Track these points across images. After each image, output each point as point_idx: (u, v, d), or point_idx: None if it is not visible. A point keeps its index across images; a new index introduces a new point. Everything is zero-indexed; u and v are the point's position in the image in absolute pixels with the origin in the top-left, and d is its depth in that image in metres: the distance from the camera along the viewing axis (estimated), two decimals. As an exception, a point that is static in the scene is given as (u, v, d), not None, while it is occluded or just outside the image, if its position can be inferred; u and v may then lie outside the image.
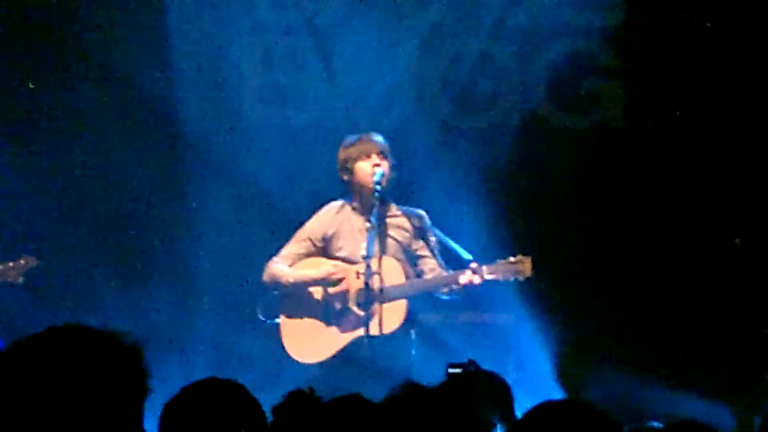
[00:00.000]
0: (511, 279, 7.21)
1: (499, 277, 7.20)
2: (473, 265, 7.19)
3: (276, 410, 3.51)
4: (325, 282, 7.45)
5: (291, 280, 7.50)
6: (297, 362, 7.50)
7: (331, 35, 9.24)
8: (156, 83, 9.18)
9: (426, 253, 7.48)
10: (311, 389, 3.52)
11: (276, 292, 7.64)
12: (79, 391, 2.38)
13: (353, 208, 7.54)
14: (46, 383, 2.39)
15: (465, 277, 7.17)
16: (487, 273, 7.18)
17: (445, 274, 7.34)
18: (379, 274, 7.18)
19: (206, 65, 9.24)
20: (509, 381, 4.71)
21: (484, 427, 3.48)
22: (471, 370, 4.97)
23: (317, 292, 7.51)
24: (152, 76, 9.19)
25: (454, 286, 7.22)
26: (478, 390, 4.40)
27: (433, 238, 7.49)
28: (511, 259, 7.23)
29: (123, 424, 2.42)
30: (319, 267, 7.50)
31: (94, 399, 2.39)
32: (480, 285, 7.18)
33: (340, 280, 7.42)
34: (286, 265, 7.57)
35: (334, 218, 7.58)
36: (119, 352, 2.45)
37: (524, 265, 7.21)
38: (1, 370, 2.42)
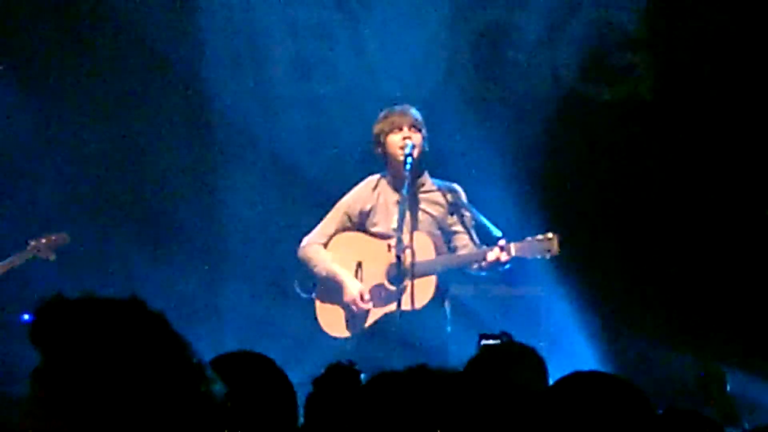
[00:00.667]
0: (539, 257, 7.17)
1: (527, 254, 7.16)
2: (501, 242, 7.15)
3: (316, 382, 3.51)
4: (348, 294, 7.45)
5: (324, 274, 7.51)
6: (328, 335, 7.50)
7: (360, 7, 9.22)
8: (185, 59, 9.20)
9: (460, 228, 7.45)
10: (351, 362, 3.51)
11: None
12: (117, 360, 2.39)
13: (388, 183, 7.53)
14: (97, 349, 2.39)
15: (493, 254, 7.13)
16: (515, 250, 7.14)
17: (475, 250, 7.32)
18: (411, 248, 7.16)
19: (234, 39, 9.24)
20: (542, 354, 4.70)
21: (520, 397, 3.48)
22: (504, 341, 4.96)
23: (350, 266, 7.51)
24: (181, 51, 9.20)
25: (483, 263, 7.19)
26: (512, 362, 4.39)
27: (467, 214, 7.44)
28: (539, 236, 7.18)
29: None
30: (352, 284, 7.45)
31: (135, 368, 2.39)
32: (508, 262, 7.14)
33: (358, 305, 7.41)
34: (322, 243, 7.56)
35: (371, 194, 7.56)
36: (145, 318, 2.45)
37: (552, 243, 7.15)
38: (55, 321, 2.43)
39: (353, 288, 7.41)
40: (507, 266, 7.18)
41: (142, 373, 2.36)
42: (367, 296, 7.39)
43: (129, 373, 2.36)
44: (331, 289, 7.50)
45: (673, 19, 9.02)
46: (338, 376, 3.47)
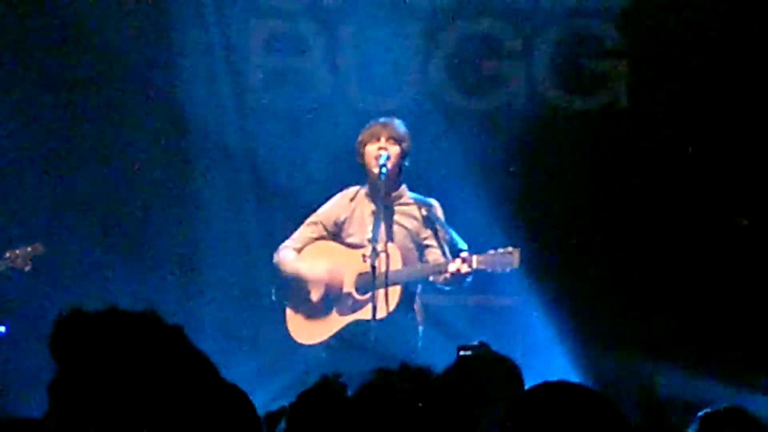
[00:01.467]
0: (499, 270, 7.23)
1: (488, 267, 7.22)
2: (463, 254, 7.23)
3: (302, 396, 3.50)
4: (316, 283, 7.50)
5: (291, 271, 7.57)
6: (303, 345, 7.55)
7: (335, 18, 9.23)
8: (159, 68, 9.19)
9: (433, 243, 7.49)
10: (335, 375, 3.51)
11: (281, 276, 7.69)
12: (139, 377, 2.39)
13: (366, 194, 7.57)
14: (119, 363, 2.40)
15: (454, 265, 7.19)
16: (477, 263, 7.20)
17: (439, 262, 7.37)
18: (386, 255, 7.21)
19: (210, 49, 9.23)
20: (517, 363, 4.71)
21: (494, 408, 3.48)
22: (482, 352, 4.97)
23: (319, 275, 7.54)
24: (157, 62, 9.19)
25: (445, 274, 7.24)
26: (489, 372, 4.40)
27: (442, 230, 7.49)
28: (500, 250, 7.24)
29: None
30: (316, 267, 7.53)
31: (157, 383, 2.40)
32: (469, 274, 7.20)
33: (329, 283, 7.46)
34: (296, 249, 7.62)
35: (348, 204, 7.61)
36: (164, 332, 2.47)
37: (513, 257, 7.21)
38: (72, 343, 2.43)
39: (317, 267, 7.46)
40: (469, 279, 7.25)
41: (160, 387, 2.37)
42: (336, 273, 7.45)
43: (147, 386, 2.37)
44: (300, 294, 7.54)
45: (648, 27, 9.05)
46: (325, 391, 3.47)
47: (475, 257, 7.20)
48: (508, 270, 7.21)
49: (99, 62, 9.17)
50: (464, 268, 7.17)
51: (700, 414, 4.14)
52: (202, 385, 2.41)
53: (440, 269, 7.28)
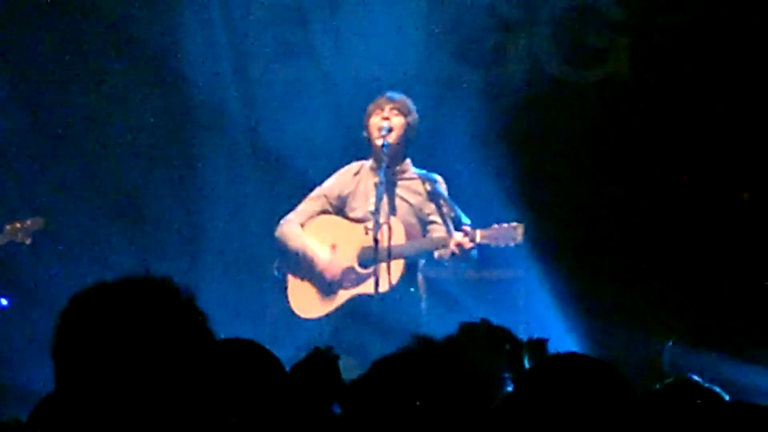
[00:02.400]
0: (503, 245, 7.22)
1: (492, 241, 7.22)
2: (466, 228, 7.21)
3: (295, 368, 3.51)
4: (314, 263, 7.48)
5: (296, 247, 7.55)
6: (306, 319, 7.54)
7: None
8: (161, 41, 9.16)
9: (436, 218, 7.48)
10: (328, 347, 3.52)
11: (282, 249, 7.68)
12: (152, 339, 2.40)
13: (371, 168, 7.55)
14: (122, 331, 2.40)
15: (457, 240, 7.18)
16: (480, 237, 7.19)
17: (440, 236, 7.36)
18: (389, 229, 7.19)
19: (211, 24, 9.21)
20: (520, 337, 4.71)
21: (494, 382, 3.48)
22: (482, 327, 4.96)
23: (323, 254, 7.53)
24: (158, 38, 9.16)
25: (448, 248, 7.22)
26: (490, 346, 4.40)
27: (446, 205, 7.47)
28: (504, 225, 7.22)
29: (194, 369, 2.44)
30: (322, 253, 7.50)
31: (166, 347, 2.41)
32: (473, 249, 7.19)
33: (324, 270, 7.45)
34: (299, 223, 7.61)
35: (352, 179, 7.61)
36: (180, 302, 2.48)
37: (516, 231, 7.21)
38: (74, 317, 2.43)
39: (323, 257, 7.45)
40: (473, 253, 7.23)
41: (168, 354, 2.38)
42: (336, 267, 7.42)
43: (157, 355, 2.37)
44: (303, 269, 7.54)
45: (650, 1, 9.03)
46: (317, 362, 3.48)
47: (478, 231, 7.19)
48: (512, 244, 7.20)
49: (99, 35, 9.16)
50: (468, 243, 7.16)
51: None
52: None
53: (444, 243, 7.27)
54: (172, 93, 9.23)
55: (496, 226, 7.22)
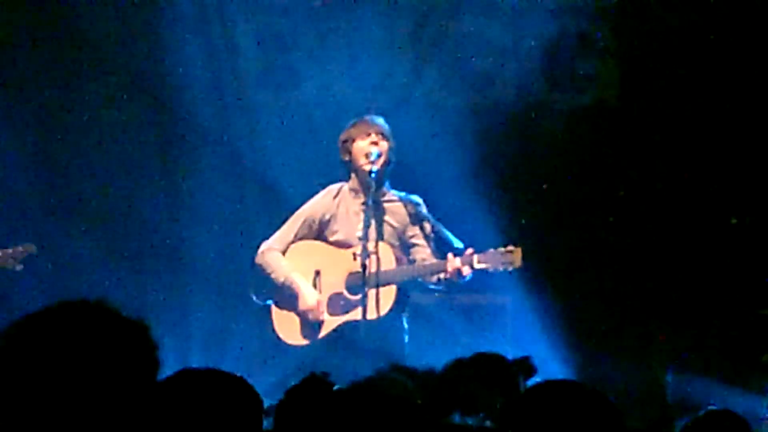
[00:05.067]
0: (501, 269, 7.13)
1: (489, 266, 7.11)
2: (468, 250, 7.14)
3: (290, 392, 3.49)
4: (302, 308, 7.45)
5: (281, 280, 7.49)
6: (291, 345, 7.49)
7: (325, 16, 9.22)
8: (151, 64, 9.17)
9: (420, 241, 7.44)
10: (324, 374, 3.51)
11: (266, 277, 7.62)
12: (91, 364, 2.39)
13: (351, 190, 7.52)
14: (57, 357, 2.40)
15: (454, 265, 7.11)
16: (477, 262, 7.12)
17: (436, 261, 7.31)
18: (376, 255, 7.14)
19: (201, 44, 9.22)
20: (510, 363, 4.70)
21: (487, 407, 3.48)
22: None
23: (308, 275, 7.50)
24: (147, 56, 9.17)
25: (442, 275, 7.16)
26: (483, 372, 4.40)
27: (428, 226, 7.43)
28: (501, 249, 7.13)
29: (136, 398, 2.43)
30: (309, 293, 7.43)
31: (106, 372, 2.40)
32: (469, 275, 7.12)
33: (314, 315, 7.42)
34: (280, 250, 7.54)
35: (332, 202, 7.55)
36: (127, 327, 2.46)
37: (514, 256, 7.10)
38: (13, 343, 2.43)
39: (309, 297, 7.41)
40: (467, 279, 7.17)
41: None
42: (323, 307, 7.39)
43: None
44: (288, 297, 7.48)
45: (638, 25, 9.06)
46: (312, 387, 3.46)
47: (476, 256, 7.10)
48: (510, 269, 7.13)
49: (88, 56, 9.15)
50: (465, 269, 7.10)
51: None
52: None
53: (439, 269, 7.19)
54: (160, 116, 9.23)
55: (492, 250, 7.14)
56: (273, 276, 7.50)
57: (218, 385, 3.20)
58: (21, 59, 9.10)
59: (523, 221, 8.71)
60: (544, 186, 9.01)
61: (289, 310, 7.50)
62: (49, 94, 9.14)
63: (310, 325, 7.44)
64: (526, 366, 4.48)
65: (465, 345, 7.73)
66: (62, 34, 9.14)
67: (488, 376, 4.33)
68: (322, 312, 7.38)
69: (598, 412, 2.90)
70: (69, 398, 2.37)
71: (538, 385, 3.04)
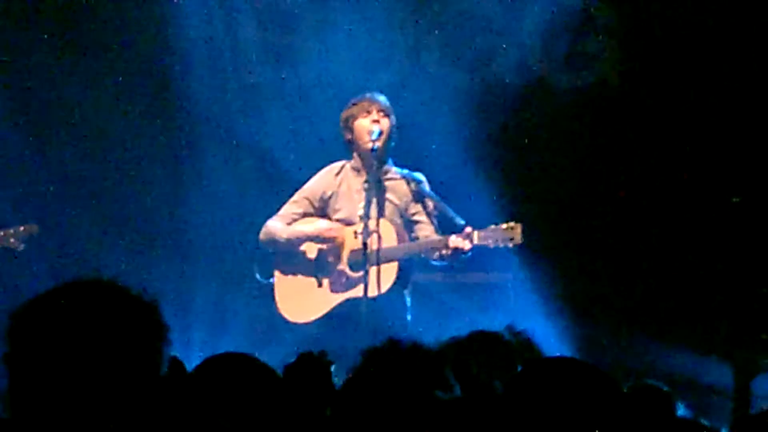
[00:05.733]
0: (501, 245, 7.12)
1: (490, 243, 7.11)
2: (467, 229, 7.15)
3: (287, 370, 3.52)
4: (318, 239, 7.46)
5: (285, 236, 7.50)
6: (294, 322, 7.50)
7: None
8: (153, 48, 9.16)
9: (423, 218, 7.44)
10: (322, 352, 3.53)
11: (271, 250, 7.64)
12: (101, 343, 2.40)
13: (353, 168, 7.53)
14: (69, 335, 2.40)
15: (455, 241, 7.10)
16: (478, 238, 7.11)
17: (438, 237, 7.32)
18: (377, 233, 7.15)
19: (203, 27, 9.21)
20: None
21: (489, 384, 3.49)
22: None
23: (311, 251, 7.52)
24: (149, 40, 9.16)
25: (444, 251, 7.16)
26: (482, 350, 4.41)
27: (431, 203, 7.44)
28: (503, 225, 7.13)
29: (144, 375, 2.44)
30: (315, 224, 7.51)
31: (116, 351, 2.41)
32: (470, 250, 7.12)
33: (333, 239, 7.43)
34: (284, 224, 7.58)
35: (334, 179, 7.57)
36: (140, 307, 2.47)
37: (515, 232, 7.10)
38: (28, 321, 2.44)
39: (319, 224, 7.43)
40: (468, 254, 7.17)
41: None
42: (335, 225, 7.40)
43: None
44: (290, 272, 7.50)
45: (639, 4, 9.04)
46: (309, 365, 3.49)
47: (476, 233, 7.11)
48: (510, 245, 7.13)
49: (89, 41, 9.15)
50: (466, 245, 7.09)
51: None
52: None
53: (440, 245, 7.20)
54: (162, 99, 9.23)
55: (493, 227, 7.14)
56: (276, 237, 7.51)
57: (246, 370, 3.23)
58: (28, 40, 9.11)
59: (520, 198, 8.68)
60: (545, 163, 9.01)
61: (291, 286, 7.51)
62: (54, 76, 9.13)
63: (312, 301, 7.45)
64: (523, 342, 4.48)
65: (466, 322, 7.75)
66: (69, 16, 9.15)
67: (486, 353, 4.35)
68: (338, 228, 7.38)
69: (597, 388, 2.91)
70: (82, 378, 2.38)
71: (535, 362, 3.06)
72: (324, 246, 7.48)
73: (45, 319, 2.42)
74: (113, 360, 2.40)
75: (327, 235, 7.45)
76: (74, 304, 2.43)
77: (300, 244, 7.52)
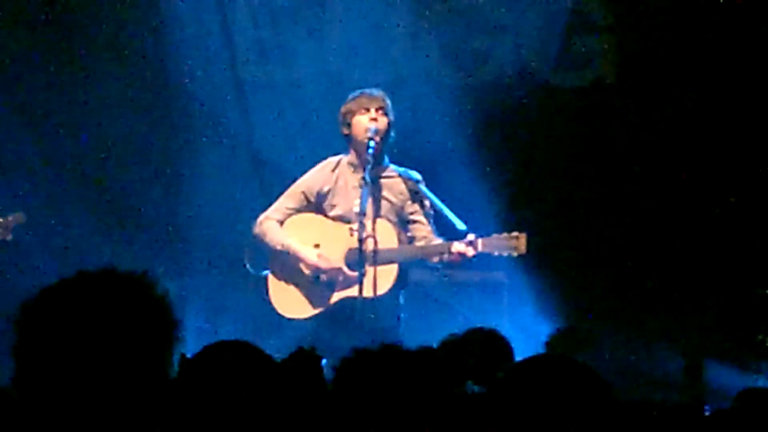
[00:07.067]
0: (505, 254, 7.11)
1: (494, 251, 7.09)
2: (470, 236, 7.10)
3: (281, 365, 3.49)
4: (305, 263, 7.41)
5: (278, 247, 7.46)
6: (289, 318, 7.46)
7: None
8: (149, 42, 9.16)
9: (420, 218, 7.40)
10: (312, 348, 3.51)
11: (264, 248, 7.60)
12: (111, 336, 2.37)
13: (349, 164, 7.48)
14: (80, 326, 2.37)
15: (458, 248, 7.07)
16: (482, 246, 7.08)
17: (438, 242, 7.25)
18: (372, 234, 7.11)
19: (199, 23, 9.21)
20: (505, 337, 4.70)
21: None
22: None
23: (311, 255, 7.46)
24: (146, 35, 9.16)
25: (446, 256, 7.13)
26: (479, 348, 4.40)
27: (427, 203, 7.40)
28: (506, 235, 7.11)
29: (152, 371, 2.41)
30: (308, 250, 7.43)
31: (126, 344, 2.38)
32: (473, 257, 7.09)
33: (318, 269, 7.37)
34: (278, 220, 7.52)
35: (330, 175, 7.52)
36: (151, 299, 2.45)
37: (519, 242, 7.08)
38: (36, 312, 2.40)
39: (311, 255, 7.38)
40: (474, 260, 7.15)
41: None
42: (325, 261, 7.35)
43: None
44: (286, 268, 7.45)
45: (636, 4, 9.03)
46: (300, 361, 3.47)
47: (480, 241, 7.06)
48: (514, 254, 7.11)
49: (85, 34, 9.15)
50: (470, 251, 7.06)
51: None
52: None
53: (443, 250, 7.16)
54: (158, 91, 9.23)
55: (497, 235, 7.10)
56: (270, 243, 7.47)
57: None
58: (25, 37, 9.11)
59: (517, 198, 8.67)
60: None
61: (286, 281, 7.48)
62: (47, 65, 9.12)
63: (308, 298, 7.42)
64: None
65: (462, 321, 7.73)
66: (67, 15, 9.15)
67: (482, 350, 4.33)
68: (330, 265, 7.33)
69: (586, 386, 2.89)
70: (91, 371, 2.35)
71: (526, 360, 3.04)
72: (321, 243, 7.43)
73: (57, 310, 2.38)
74: (123, 354, 2.37)
75: (316, 266, 7.38)
76: (86, 295, 2.40)
77: (290, 255, 7.47)
